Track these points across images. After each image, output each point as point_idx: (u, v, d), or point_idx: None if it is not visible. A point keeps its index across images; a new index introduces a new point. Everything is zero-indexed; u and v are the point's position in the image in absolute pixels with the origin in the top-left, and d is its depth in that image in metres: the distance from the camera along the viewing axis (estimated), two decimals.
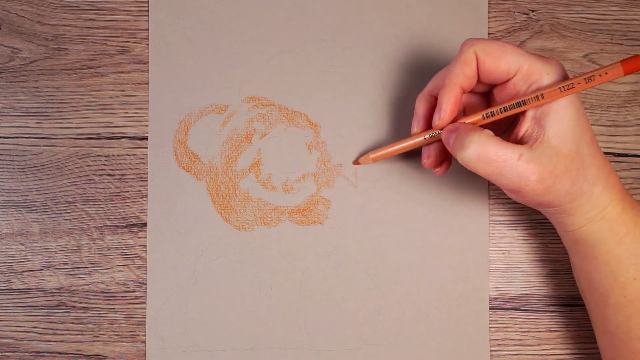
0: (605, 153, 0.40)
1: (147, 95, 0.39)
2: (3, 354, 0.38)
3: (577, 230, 0.32)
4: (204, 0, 0.39)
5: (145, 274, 0.39)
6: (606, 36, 0.40)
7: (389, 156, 0.36)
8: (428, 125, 0.34)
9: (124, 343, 0.39)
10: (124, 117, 0.39)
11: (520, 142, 0.31)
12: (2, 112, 0.39)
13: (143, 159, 0.39)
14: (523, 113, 0.31)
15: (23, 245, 0.39)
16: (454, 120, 0.33)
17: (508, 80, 0.31)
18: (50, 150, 0.39)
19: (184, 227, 0.38)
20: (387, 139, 0.39)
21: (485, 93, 0.35)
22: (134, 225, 0.39)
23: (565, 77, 0.30)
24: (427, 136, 0.34)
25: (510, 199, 0.39)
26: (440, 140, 0.34)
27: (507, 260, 0.39)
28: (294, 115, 0.39)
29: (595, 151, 0.30)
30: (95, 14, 0.39)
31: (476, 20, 0.39)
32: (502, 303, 0.39)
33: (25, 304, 0.39)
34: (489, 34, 0.39)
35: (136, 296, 0.39)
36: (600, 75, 0.29)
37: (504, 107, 0.31)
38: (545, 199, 0.30)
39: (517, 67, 0.30)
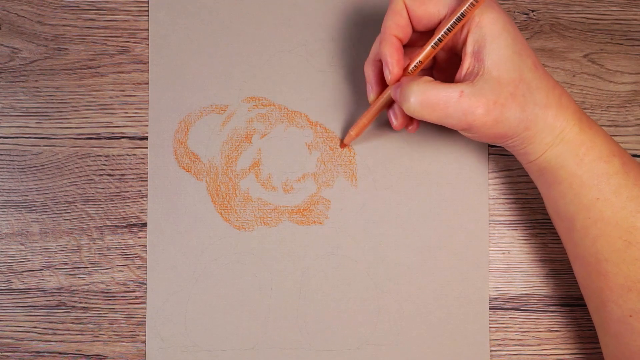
0: None
1: (147, 95, 0.39)
2: (3, 354, 0.38)
3: (540, 159, 0.32)
4: (204, 0, 0.39)
5: (145, 274, 0.39)
6: (606, 36, 0.40)
7: (366, 127, 0.37)
8: (382, 89, 0.35)
9: (124, 343, 0.39)
10: (124, 117, 0.39)
11: (464, 81, 0.31)
12: (2, 112, 0.39)
13: (143, 159, 0.39)
14: (463, 53, 0.31)
15: (23, 245, 0.39)
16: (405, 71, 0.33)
17: (441, 23, 0.32)
18: (50, 150, 0.39)
19: (184, 227, 0.38)
20: (386, 139, 0.39)
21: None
22: (134, 225, 0.39)
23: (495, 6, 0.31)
24: (385, 95, 0.34)
25: (510, 198, 0.39)
26: None
27: (507, 260, 0.39)
28: (294, 115, 0.39)
29: (541, 75, 0.31)
30: (95, 14, 0.39)
31: None
32: (502, 303, 0.39)
33: (25, 304, 0.39)
34: None
35: (136, 296, 0.39)
36: None
37: (447, 29, 0.31)
38: (497, 130, 0.31)
39: (446, 7, 0.31)
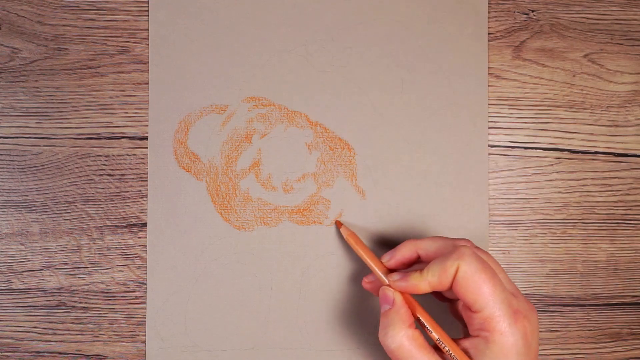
0: (605, 153, 0.40)
1: (147, 95, 0.39)
2: (3, 354, 0.38)
3: None
4: (204, 0, 0.39)
5: (145, 274, 0.39)
6: (606, 36, 0.40)
7: (354, 250, 0.36)
8: (396, 266, 0.34)
9: (124, 343, 0.39)
10: (124, 117, 0.39)
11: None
12: (2, 112, 0.39)
13: (143, 159, 0.39)
14: (466, 331, 0.31)
15: (23, 245, 0.39)
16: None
17: (468, 308, 0.30)
18: (50, 150, 0.39)
19: (184, 227, 0.38)
20: (386, 139, 0.39)
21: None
22: (134, 225, 0.39)
23: (521, 346, 0.28)
24: (383, 277, 0.33)
25: (510, 198, 0.39)
26: None
27: (507, 260, 0.39)
28: (294, 115, 0.39)
29: None
30: (95, 14, 0.39)
31: (476, 20, 0.39)
32: None
33: (25, 304, 0.39)
34: (489, 34, 0.39)
35: (136, 296, 0.39)
36: None
37: (448, 351, 0.30)
38: None
39: (481, 308, 0.29)
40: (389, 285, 0.32)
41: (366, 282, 0.35)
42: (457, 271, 0.29)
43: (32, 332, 0.39)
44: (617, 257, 0.40)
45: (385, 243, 0.39)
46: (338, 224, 0.38)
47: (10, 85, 0.39)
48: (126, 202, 0.39)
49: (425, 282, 0.31)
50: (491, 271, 0.30)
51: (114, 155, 0.39)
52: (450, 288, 0.30)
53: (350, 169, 0.39)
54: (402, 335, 0.30)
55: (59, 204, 0.39)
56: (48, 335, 0.39)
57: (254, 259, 0.39)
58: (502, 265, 0.39)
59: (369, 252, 0.35)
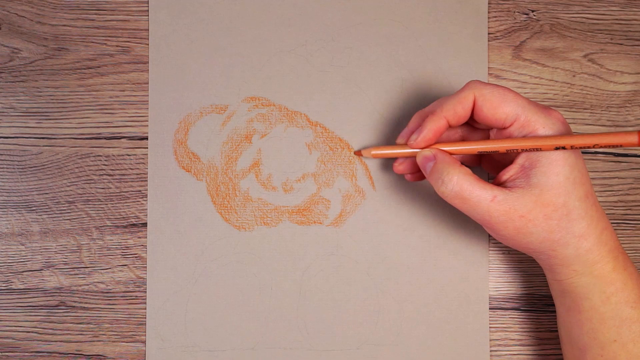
0: (605, 153, 0.40)
1: (147, 95, 0.39)
2: (3, 354, 0.38)
3: (565, 281, 0.31)
4: (204, 0, 0.39)
5: (145, 274, 0.39)
6: (606, 36, 0.40)
7: (388, 157, 0.36)
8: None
9: (124, 343, 0.39)
10: (124, 117, 0.39)
11: (503, 184, 0.31)
12: (2, 112, 0.39)
13: (143, 159, 0.39)
14: (514, 159, 0.31)
15: (23, 245, 0.39)
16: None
17: (504, 128, 0.31)
18: (50, 150, 0.39)
19: (184, 227, 0.38)
20: (387, 139, 0.39)
21: (486, 130, 0.35)
22: (134, 225, 0.39)
23: (564, 131, 0.30)
24: (408, 150, 0.34)
25: None
26: None
27: (507, 260, 0.39)
28: (294, 115, 0.39)
29: (589, 207, 0.30)
30: (95, 14, 0.39)
31: (476, 20, 0.39)
32: (502, 303, 0.39)
33: (25, 304, 0.39)
34: (489, 34, 0.39)
35: (136, 296, 0.39)
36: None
37: (507, 150, 0.31)
38: (518, 240, 0.31)
39: (514, 117, 0.30)
40: (418, 150, 0.33)
41: (397, 165, 0.35)
42: (475, 100, 0.31)
43: (32, 332, 0.39)
44: None
45: (386, 243, 0.39)
46: (357, 154, 0.38)
47: (10, 85, 0.39)
48: (126, 202, 0.39)
49: (440, 119, 0.32)
50: (502, 86, 0.31)
51: (114, 155, 0.39)
52: (476, 119, 0.32)
53: (350, 169, 0.39)
54: (457, 174, 0.30)
55: (59, 204, 0.39)
56: (48, 335, 0.39)
57: (254, 259, 0.39)
58: (503, 266, 0.39)
59: (393, 146, 0.35)
